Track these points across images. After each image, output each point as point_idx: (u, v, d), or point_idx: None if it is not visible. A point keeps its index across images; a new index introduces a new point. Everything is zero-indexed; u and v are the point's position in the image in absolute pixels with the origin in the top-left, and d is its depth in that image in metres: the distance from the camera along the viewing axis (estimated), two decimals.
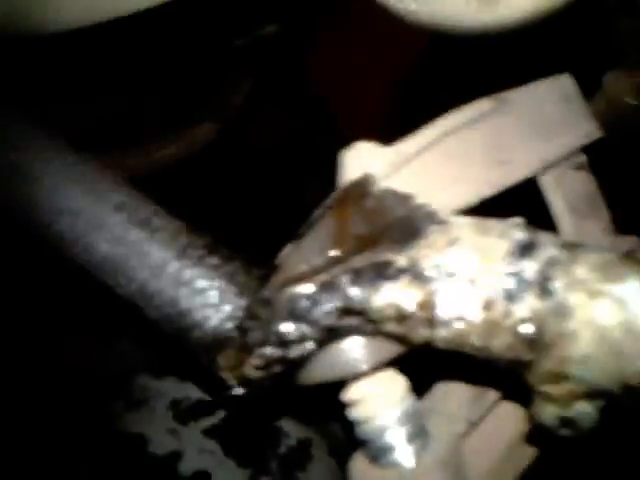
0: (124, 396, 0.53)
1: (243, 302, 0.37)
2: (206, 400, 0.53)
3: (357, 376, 0.35)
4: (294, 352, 0.32)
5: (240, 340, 0.35)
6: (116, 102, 0.99)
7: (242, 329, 0.35)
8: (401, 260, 0.31)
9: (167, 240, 0.40)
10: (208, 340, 0.37)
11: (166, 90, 1.03)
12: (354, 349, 0.34)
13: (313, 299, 0.32)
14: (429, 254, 0.31)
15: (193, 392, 0.53)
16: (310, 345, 0.32)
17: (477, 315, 0.29)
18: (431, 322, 0.29)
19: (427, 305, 0.29)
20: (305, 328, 0.31)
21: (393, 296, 0.29)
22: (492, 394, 0.41)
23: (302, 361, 0.33)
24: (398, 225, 0.37)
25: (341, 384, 0.37)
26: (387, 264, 0.31)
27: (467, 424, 0.39)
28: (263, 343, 0.33)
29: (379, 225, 0.37)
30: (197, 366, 0.39)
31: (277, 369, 0.32)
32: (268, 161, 1.43)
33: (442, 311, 0.29)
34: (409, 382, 0.37)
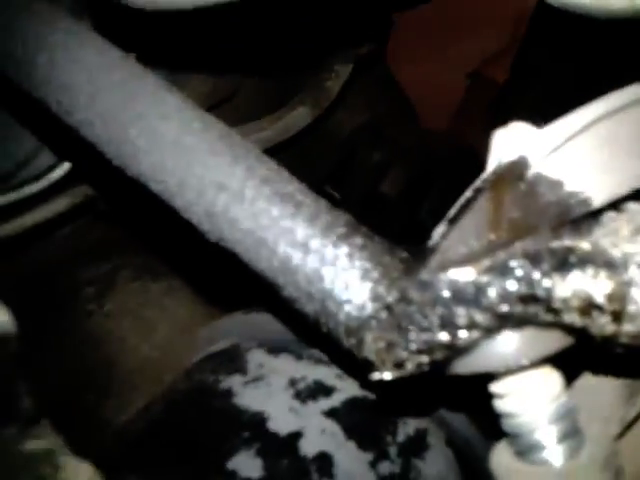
0: (240, 371, 0.53)
1: (389, 283, 0.36)
2: (325, 381, 0.52)
3: (514, 369, 0.33)
4: (462, 338, 0.30)
5: (390, 322, 0.34)
6: (216, 80, 0.99)
7: (392, 311, 0.34)
8: (584, 246, 0.29)
9: (311, 216, 0.39)
10: (352, 321, 0.36)
11: (267, 70, 1.03)
12: (516, 341, 0.32)
13: (483, 283, 0.30)
14: (617, 242, 0.28)
15: (310, 371, 0.52)
16: (478, 332, 0.30)
17: None
18: (619, 315, 0.27)
19: (618, 297, 0.27)
20: (476, 313, 0.30)
21: (581, 285, 0.27)
22: None
23: (467, 349, 0.31)
24: (551, 211, 0.35)
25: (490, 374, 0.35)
26: (568, 250, 0.29)
27: (622, 425, 0.37)
28: (423, 327, 0.31)
29: (532, 210, 0.36)
30: (336, 347, 0.38)
31: (440, 355, 0.31)
32: (346, 147, 1.42)
33: (635, 304, 0.27)
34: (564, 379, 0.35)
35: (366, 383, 0.51)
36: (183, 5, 0.40)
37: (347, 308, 0.37)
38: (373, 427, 0.51)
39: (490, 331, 0.30)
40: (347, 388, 0.52)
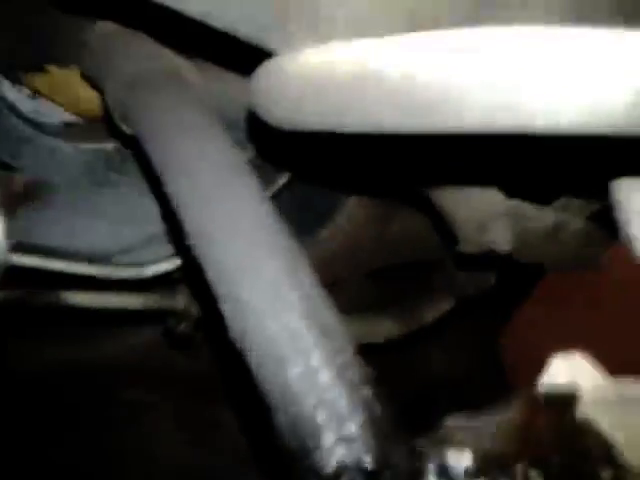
0: None
1: (378, 443, 0.31)
2: None
3: None
4: None
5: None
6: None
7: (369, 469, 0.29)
8: (605, 474, 0.24)
9: (333, 348, 0.36)
10: (327, 468, 0.32)
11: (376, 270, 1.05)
12: None
13: (475, 470, 0.25)
14: None
15: None
16: None
17: None
18: None
19: None
20: None
21: None
22: None
23: None
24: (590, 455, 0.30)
25: None
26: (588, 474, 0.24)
27: None
28: None
29: (567, 450, 0.31)
30: None
31: None
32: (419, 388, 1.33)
33: None
34: None
35: None
36: (318, 126, 0.43)
37: (328, 454, 0.32)
38: None
39: None
40: None
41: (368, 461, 0.30)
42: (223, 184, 0.47)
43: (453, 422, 0.31)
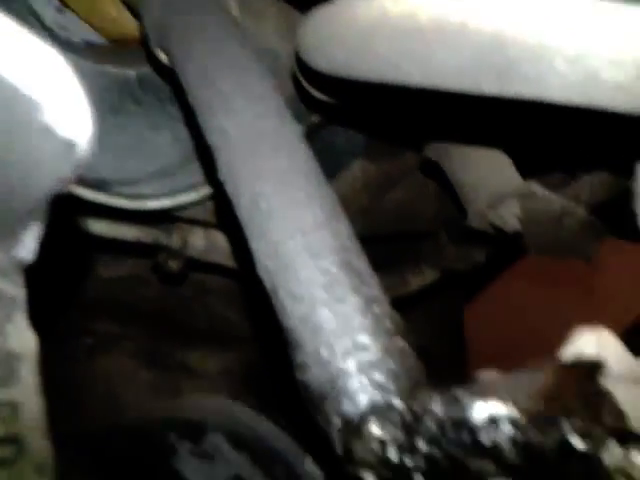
0: (192, 440, 0.47)
1: (411, 389, 0.32)
2: None
3: None
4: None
5: (388, 435, 0.30)
6: None
7: (399, 423, 0.30)
8: None
9: (368, 297, 0.37)
10: (355, 411, 0.32)
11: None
12: None
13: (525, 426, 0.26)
14: None
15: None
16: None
17: None
18: None
19: None
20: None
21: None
22: None
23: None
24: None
25: None
26: None
27: None
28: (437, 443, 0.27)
29: (588, 412, 0.32)
30: (325, 447, 0.34)
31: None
32: None
33: None
34: None
35: None
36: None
37: (351, 408, 0.33)
38: None
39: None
40: None
41: (399, 405, 0.31)
42: (260, 118, 0.45)
43: (486, 377, 0.32)
